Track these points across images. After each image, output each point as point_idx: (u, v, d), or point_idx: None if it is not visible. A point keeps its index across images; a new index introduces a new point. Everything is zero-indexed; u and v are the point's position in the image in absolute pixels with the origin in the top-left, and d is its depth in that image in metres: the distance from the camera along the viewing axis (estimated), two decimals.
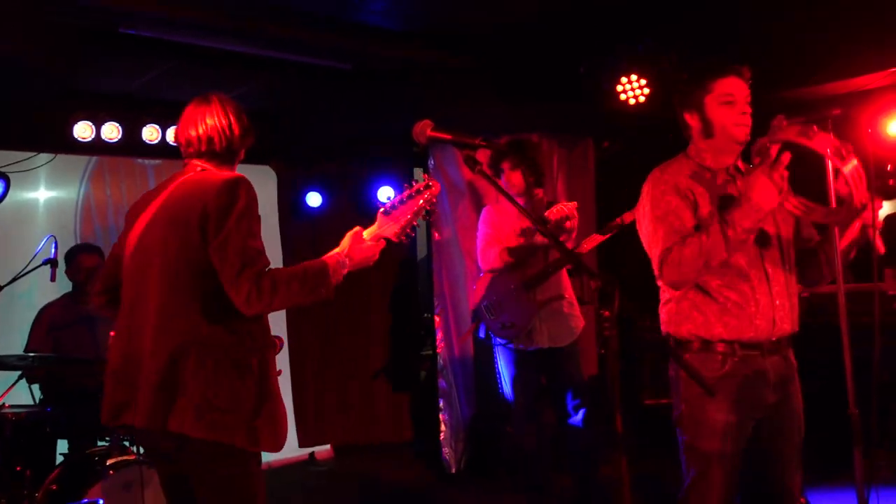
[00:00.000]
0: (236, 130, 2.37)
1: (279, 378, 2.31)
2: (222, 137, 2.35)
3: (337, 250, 2.34)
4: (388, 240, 2.42)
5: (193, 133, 2.35)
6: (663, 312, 2.61)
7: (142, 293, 2.24)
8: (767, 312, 2.45)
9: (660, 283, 2.60)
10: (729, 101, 2.48)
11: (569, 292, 4.06)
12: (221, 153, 2.36)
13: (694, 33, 4.36)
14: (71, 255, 4.50)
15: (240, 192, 2.18)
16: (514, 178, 4.06)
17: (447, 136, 2.16)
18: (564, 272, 4.09)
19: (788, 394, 2.52)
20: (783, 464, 2.51)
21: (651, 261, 2.59)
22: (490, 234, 4.15)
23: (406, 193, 2.43)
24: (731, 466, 2.44)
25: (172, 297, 2.17)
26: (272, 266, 2.20)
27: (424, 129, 2.17)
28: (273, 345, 2.33)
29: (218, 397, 2.11)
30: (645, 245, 2.59)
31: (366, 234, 2.39)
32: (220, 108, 2.37)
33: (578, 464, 4.00)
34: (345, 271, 2.31)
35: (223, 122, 2.35)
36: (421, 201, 2.41)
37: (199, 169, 2.34)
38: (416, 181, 2.45)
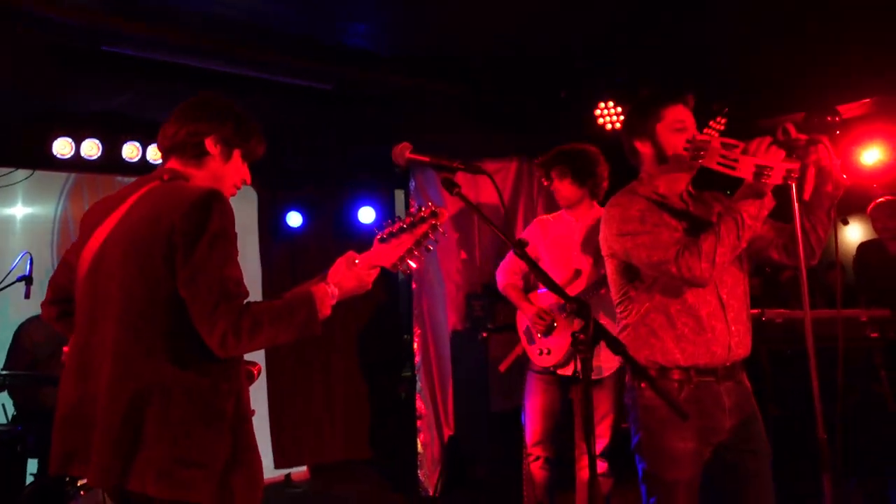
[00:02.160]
0: (192, 126, 2.09)
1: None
2: (178, 133, 2.10)
3: (324, 278, 2.08)
4: (382, 267, 2.12)
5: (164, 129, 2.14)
6: (620, 339, 2.58)
7: (98, 329, 1.93)
8: (723, 339, 2.46)
9: (620, 308, 2.61)
10: (681, 129, 2.50)
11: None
12: (185, 150, 2.10)
13: (669, 65, 4.45)
14: None
15: (212, 212, 1.88)
16: (562, 189, 3.83)
17: (425, 159, 2.14)
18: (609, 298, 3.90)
19: (748, 417, 2.52)
20: (756, 488, 2.50)
21: (617, 283, 2.59)
22: (513, 257, 3.92)
23: (408, 220, 2.11)
24: (691, 493, 2.44)
25: (133, 335, 1.87)
26: (250, 284, 1.94)
27: (403, 151, 2.16)
28: (250, 377, 2.12)
29: (185, 451, 1.83)
30: (634, 260, 2.48)
31: (359, 259, 2.09)
32: (189, 103, 2.14)
33: None
34: (333, 302, 2.04)
35: (183, 118, 2.11)
36: (424, 230, 2.10)
37: (166, 177, 2.06)
38: (422, 207, 2.14)
